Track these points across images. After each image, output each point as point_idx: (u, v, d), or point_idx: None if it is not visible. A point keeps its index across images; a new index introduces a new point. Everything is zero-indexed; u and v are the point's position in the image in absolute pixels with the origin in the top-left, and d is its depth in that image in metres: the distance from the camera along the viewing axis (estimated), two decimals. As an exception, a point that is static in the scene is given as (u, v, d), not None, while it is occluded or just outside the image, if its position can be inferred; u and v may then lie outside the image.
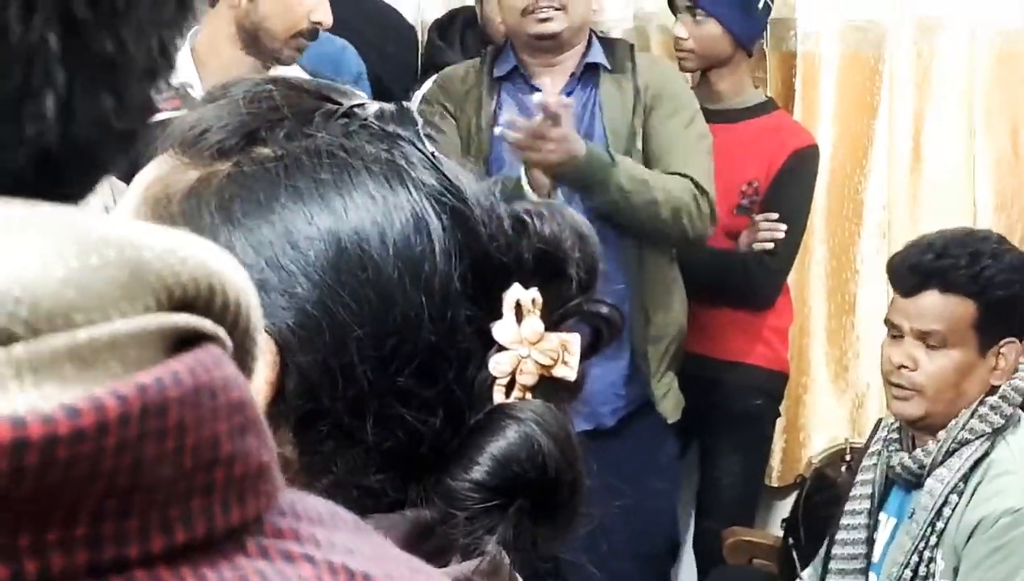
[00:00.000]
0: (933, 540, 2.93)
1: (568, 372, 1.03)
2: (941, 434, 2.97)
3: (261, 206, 1.00)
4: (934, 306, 2.96)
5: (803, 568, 3.51)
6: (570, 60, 3.83)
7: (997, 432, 2.95)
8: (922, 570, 2.95)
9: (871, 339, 4.60)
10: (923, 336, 2.97)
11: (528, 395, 1.02)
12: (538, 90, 3.82)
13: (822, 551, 3.21)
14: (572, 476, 1.00)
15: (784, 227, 4.14)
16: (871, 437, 3.21)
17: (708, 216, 3.77)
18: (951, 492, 2.92)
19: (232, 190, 1.01)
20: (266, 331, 0.98)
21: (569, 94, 3.83)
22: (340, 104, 1.04)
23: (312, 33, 3.26)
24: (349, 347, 0.98)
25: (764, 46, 4.57)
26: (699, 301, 4.06)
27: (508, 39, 3.92)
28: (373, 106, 1.06)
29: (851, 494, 3.13)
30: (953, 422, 2.96)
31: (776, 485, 4.61)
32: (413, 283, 0.99)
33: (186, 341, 0.49)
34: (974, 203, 4.58)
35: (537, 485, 0.99)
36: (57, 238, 0.46)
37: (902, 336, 3.00)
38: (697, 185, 3.74)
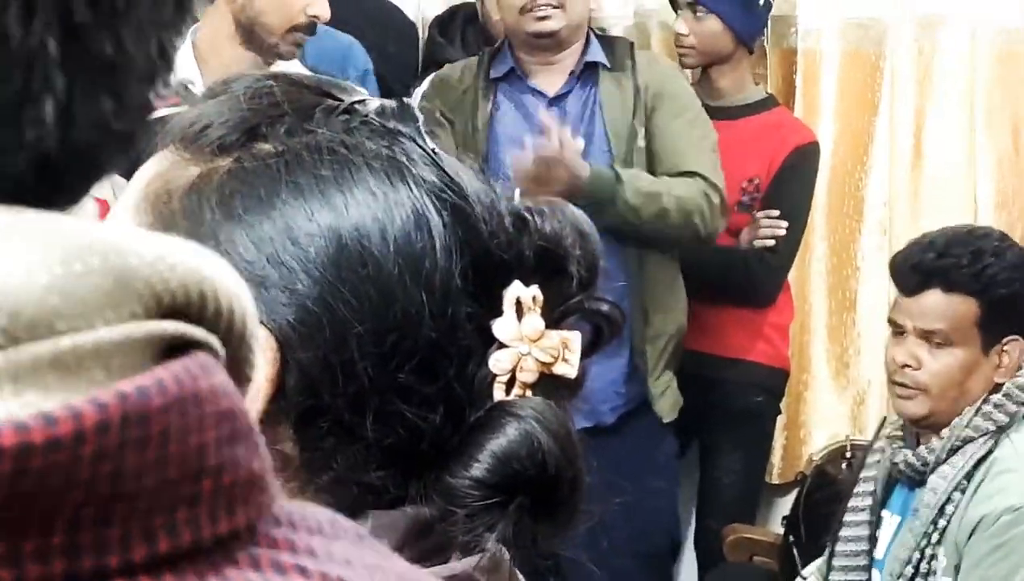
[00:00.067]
0: (935, 537, 2.94)
1: (568, 370, 1.03)
2: (945, 432, 2.97)
3: (262, 202, 1.00)
4: (937, 305, 2.96)
5: (804, 565, 3.51)
6: (569, 59, 3.83)
7: (1001, 430, 2.95)
8: (924, 567, 2.95)
9: (872, 336, 4.61)
10: (926, 335, 2.98)
11: (528, 392, 1.02)
12: (536, 91, 3.82)
13: (827, 550, 3.21)
14: (572, 473, 1.00)
15: (785, 224, 4.15)
16: (875, 435, 3.21)
17: (719, 212, 3.79)
18: (954, 489, 2.93)
19: (233, 186, 1.00)
20: (267, 327, 0.98)
21: (568, 93, 3.83)
22: (341, 100, 1.04)
23: (309, 28, 3.26)
24: (349, 343, 0.98)
25: (765, 43, 4.58)
26: (700, 298, 4.06)
27: (506, 39, 3.92)
28: (374, 102, 1.06)
29: (855, 491, 3.13)
30: (957, 420, 2.96)
31: (777, 482, 4.61)
32: (414, 280, 0.99)
33: (176, 349, 0.48)
34: (975, 200, 4.58)
35: (537, 482, 0.99)
36: (42, 245, 0.46)
37: (905, 335, 3.00)
38: (708, 181, 3.75)
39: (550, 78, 3.84)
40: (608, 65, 3.83)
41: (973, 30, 4.57)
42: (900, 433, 3.09)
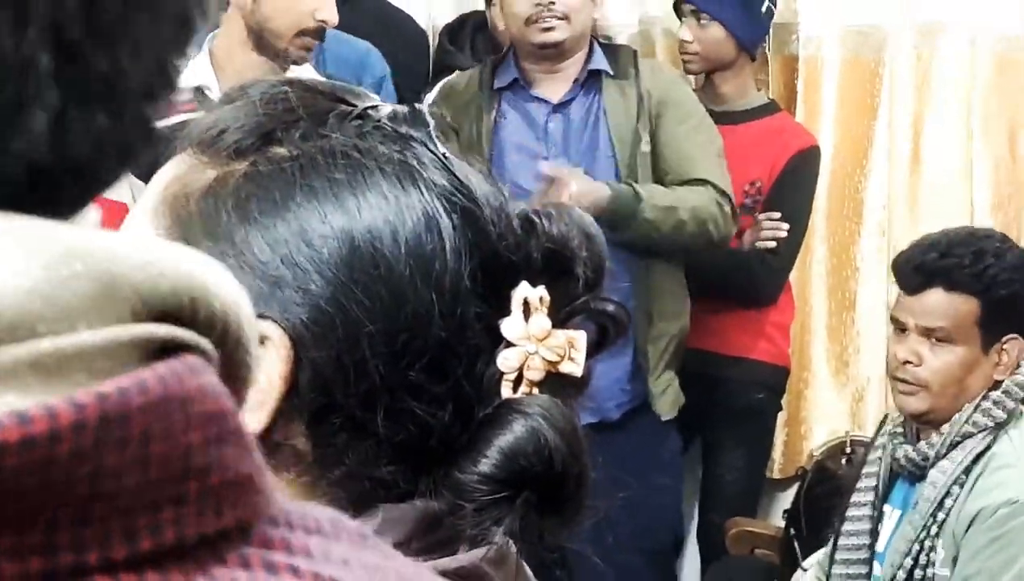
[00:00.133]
0: (934, 530, 2.94)
1: (574, 368, 1.03)
2: (945, 428, 2.97)
3: (277, 205, 1.00)
4: (939, 304, 2.96)
5: (804, 558, 3.51)
6: (572, 67, 3.83)
7: (999, 426, 2.96)
8: (923, 559, 2.95)
9: (871, 335, 4.61)
10: (928, 333, 2.98)
11: (535, 390, 1.02)
12: (540, 99, 3.82)
13: (829, 544, 3.21)
14: (578, 469, 1.00)
15: (786, 226, 4.15)
16: (877, 432, 3.21)
17: (731, 219, 3.80)
18: (953, 484, 2.93)
19: (249, 189, 1.01)
20: (281, 327, 0.98)
21: (572, 100, 3.83)
22: (354, 106, 1.04)
23: (318, 32, 3.25)
24: (361, 343, 0.98)
25: (767, 50, 4.57)
26: (703, 298, 4.06)
27: (510, 49, 3.92)
28: (386, 108, 1.06)
29: (857, 487, 3.14)
30: (956, 416, 2.96)
31: (778, 477, 4.61)
32: (424, 281, 0.99)
33: (168, 352, 0.48)
34: (971, 204, 4.58)
35: (543, 478, 0.99)
36: (27, 250, 0.45)
37: (907, 332, 3.00)
38: (718, 189, 3.76)
39: (554, 86, 3.84)
40: (611, 73, 3.84)
41: (972, 37, 4.57)
42: (901, 429, 3.09)
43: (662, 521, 3.95)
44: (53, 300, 0.45)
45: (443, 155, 1.04)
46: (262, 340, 0.98)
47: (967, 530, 2.90)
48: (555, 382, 1.02)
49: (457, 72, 4.09)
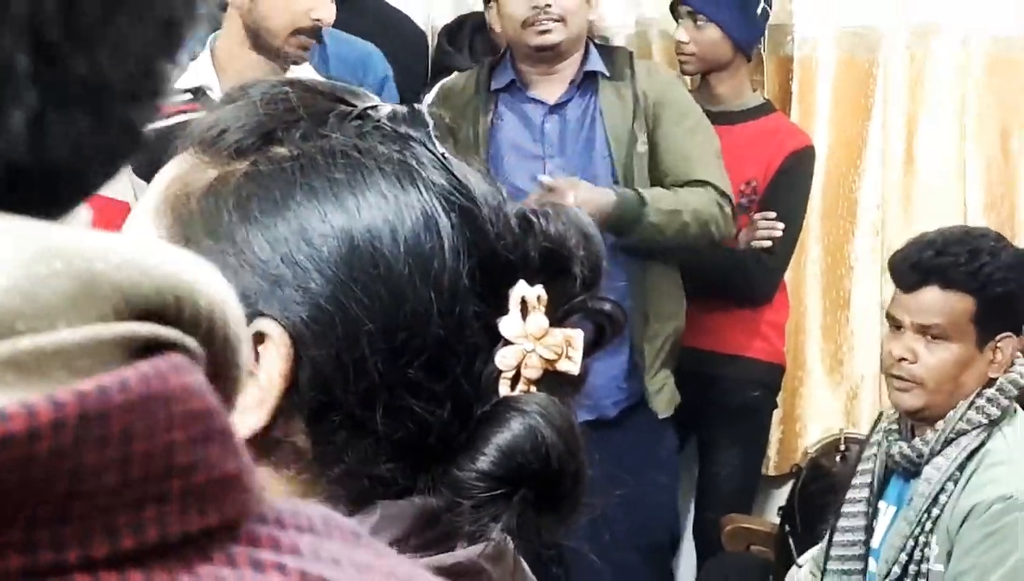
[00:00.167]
0: (928, 525, 2.94)
1: (571, 367, 1.03)
2: (939, 424, 2.97)
3: (277, 204, 1.00)
4: (934, 301, 2.97)
5: (799, 554, 3.51)
6: (569, 69, 3.83)
7: (993, 423, 2.96)
8: (917, 554, 2.95)
9: (865, 334, 4.61)
10: (923, 330, 2.98)
11: (532, 388, 1.02)
12: (536, 100, 3.82)
13: (824, 540, 3.21)
14: (575, 466, 1.00)
15: (781, 226, 4.15)
16: (872, 429, 3.21)
17: (731, 218, 3.82)
18: (948, 480, 2.93)
19: (249, 188, 1.01)
20: (281, 325, 0.98)
21: (568, 101, 3.84)
22: (354, 106, 1.04)
23: (314, 31, 3.24)
24: (361, 341, 0.98)
25: (762, 51, 4.57)
26: (699, 297, 4.06)
27: (507, 51, 3.92)
28: (386, 108, 1.06)
29: (852, 483, 3.14)
30: (951, 413, 2.96)
31: (773, 474, 4.61)
32: (423, 279, 0.99)
33: (152, 351, 0.47)
34: (964, 203, 4.58)
35: (541, 475, 0.99)
36: (6, 248, 0.45)
37: (903, 330, 3.00)
38: (718, 190, 3.77)
39: (550, 88, 3.84)
40: (607, 74, 3.84)
41: (965, 39, 4.57)
42: (896, 426, 3.09)
43: (658, 518, 3.95)
44: (33, 298, 0.44)
45: (442, 155, 1.04)
46: (262, 338, 0.98)
47: (961, 526, 2.90)
48: (552, 380, 1.02)
49: (455, 73, 4.09)
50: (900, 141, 4.62)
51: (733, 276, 4.13)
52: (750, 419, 4.32)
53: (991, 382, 2.98)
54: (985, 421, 2.96)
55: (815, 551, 3.29)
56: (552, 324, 1.02)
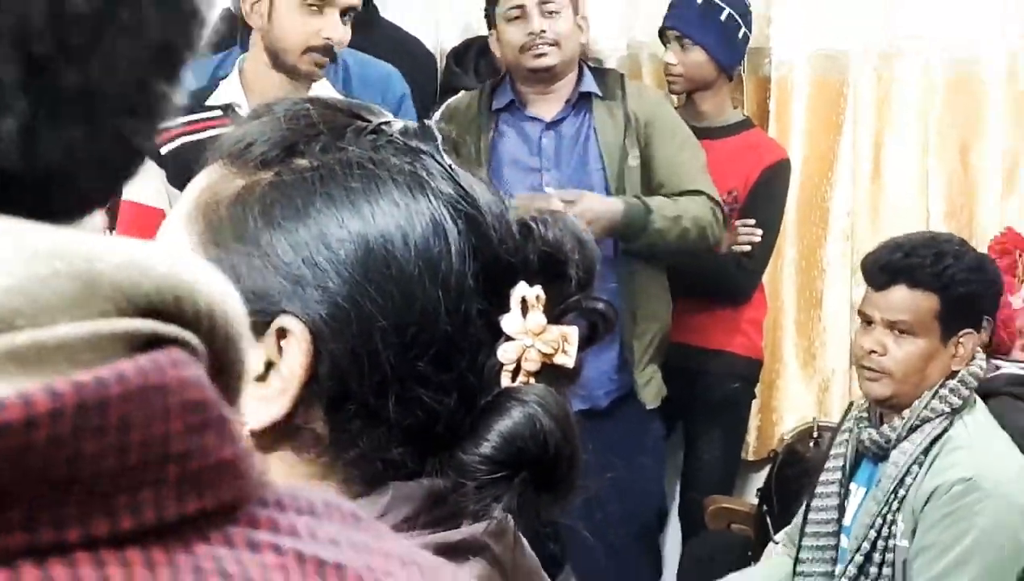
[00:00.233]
0: (896, 505, 2.94)
1: (567, 360, 1.03)
2: (906, 412, 2.97)
3: (299, 211, 1.00)
4: (903, 299, 2.97)
5: (776, 532, 3.51)
6: (564, 89, 3.83)
7: (955, 412, 2.96)
8: (885, 531, 2.96)
9: (836, 331, 4.61)
10: (892, 325, 2.98)
11: (531, 380, 1.02)
12: (534, 118, 3.82)
13: (798, 517, 3.21)
14: (570, 452, 1.00)
15: (760, 232, 4.14)
16: (843, 417, 3.21)
17: (723, 223, 3.82)
18: (913, 463, 2.93)
19: (273, 197, 1.01)
20: (302, 321, 0.98)
21: (564, 119, 3.83)
22: (369, 121, 1.04)
23: (326, 49, 3.24)
24: (375, 336, 0.98)
25: (742, 72, 4.57)
26: (685, 297, 4.06)
27: (507, 73, 3.92)
28: (398, 123, 1.06)
29: (826, 467, 3.14)
30: (917, 402, 2.97)
31: (752, 459, 4.60)
32: (432, 280, 0.99)
33: (154, 347, 0.46)
34: (927, 212, 4.58)
35: (539, 459, 0.99)
36: (7, 249, 0.43)
37: (873, 325, 3.01)
38: (711, 198, 3.78)
39: (547, 106, 3.84)
40: (600, 94, 3.83)
41: (927, 62, 4.57)
42: (866, 414, 3.09)
43: (647, 499, 3.95)
44: (33, 297, 0.43)
45: (449, 166, 1.04)
46: (285, 333, 0.98)
47: (924, 505, 2.90)
48: (550, 373, 1.02)
49: (461, 93, 4.09)
50: (868, 155, 4.62)
51: (716, 278, 4.13)
52: (731, 409, 4.31)
53: (953, 374, 2.98)
54: (948, 410, 2.96)
55: (790, 528, 3.29)
56: (549, 322, 1.02)
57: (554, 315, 1.03)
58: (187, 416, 0.45)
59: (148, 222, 3.10)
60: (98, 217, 0.50)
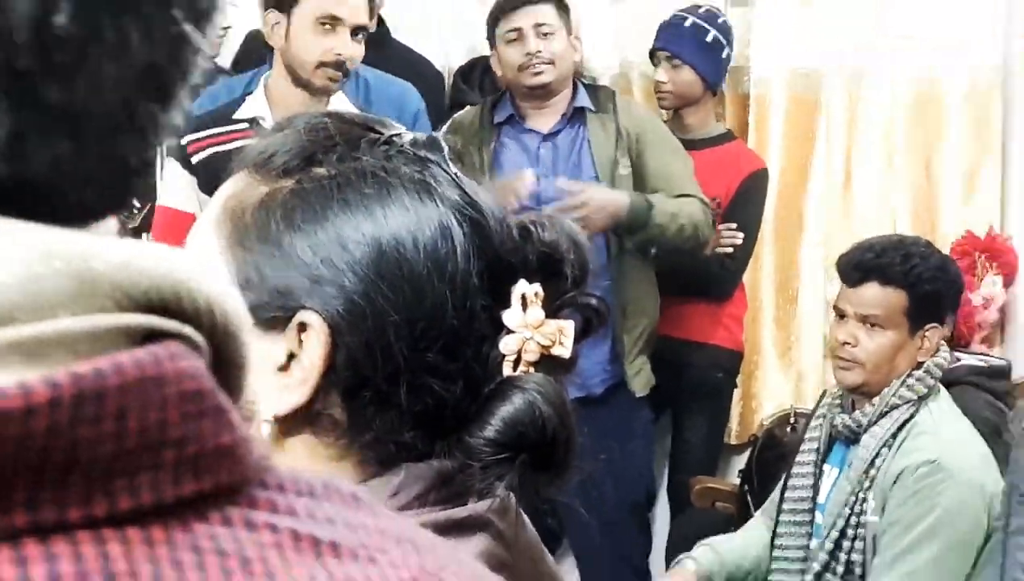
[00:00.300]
0: (866, 484, 2.94)
1: (564, 352, 1.03)
2: (876, 399, 2.97)
3: (317, 215, 1.00)
4: (874, 295, 2.97)
5: (756, 509, 3.51)
6: (560, 104, 3.82)
7: (921, 399, 2.96)
8: (856, 508, 2.96)
9: (810, 326, 4.61)
10: (864, 319, 2.98)
11: (531, 369, 1.02)
12: (532, 130, 3.82)
13: (774, 495, 3.20)
14: (567, 435, 1.00)
15: (741, 235, 4.14)
16: (817, 404, 3.21)
17: (712, 223, 3.82)
18: (882, 447, 2.94)
19: (294, 202, 1.01)
20: (321, 316, 0.98)
21: (559, 131, 3.83)
22: (382, 133, 1.04)
23: (338, 65, 3.24)
24: (388, 330, 0.98)
25: (724, 88, 4.56)
26: (672, 294, 4.05)
27: (506, 89, 3.92)
28: (408, 135, 1.06)
29: (801, 449, 3.14)
30: (886, 390, 2.97)
31: (734, 443, 4.60)
32: (439, 279, 0.99)
33: (154, 341, 0.45)
34: (894, 218, 4.58)
35: (538, 442, 0.99)
36: (6, 249, 0.42)
37: (847, 319, 3.01)
38: (701, 200, 3.78)
39: (544, 120, 3.84)
40: (594, 108, 3.83)
41: (893, 81, 4.57)
42: (839, 401, 3.09)
43: (637, 480, 3.94)
44: (33, 294, 0.42)
45: (455, 174, 1.04)
46: (305, 327, 0.98)
47: (893, 485, 2.90)
48: (548, 363, 1.02)
49: (466, 108, 4.09)
50: (840, 166, 4.62)
51: (701, 276, 4.13)
52: (714, 396, 4.31)
53: (919, 365, 2.98)
54: (914, 397, 2.96)
55: (767, 505, 3.29)
56: (547, 316, 1.02)
57: (551, 310, 1.03)
58: (184, 405, 0.44)
59: (180, 225, 3.10)
60: (111, 221, 0.48)
